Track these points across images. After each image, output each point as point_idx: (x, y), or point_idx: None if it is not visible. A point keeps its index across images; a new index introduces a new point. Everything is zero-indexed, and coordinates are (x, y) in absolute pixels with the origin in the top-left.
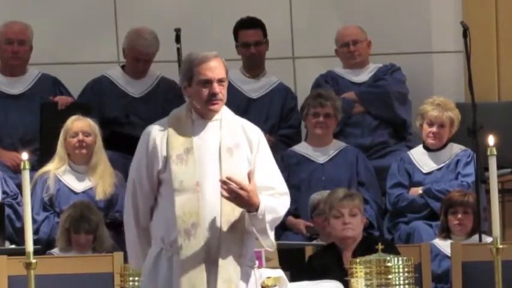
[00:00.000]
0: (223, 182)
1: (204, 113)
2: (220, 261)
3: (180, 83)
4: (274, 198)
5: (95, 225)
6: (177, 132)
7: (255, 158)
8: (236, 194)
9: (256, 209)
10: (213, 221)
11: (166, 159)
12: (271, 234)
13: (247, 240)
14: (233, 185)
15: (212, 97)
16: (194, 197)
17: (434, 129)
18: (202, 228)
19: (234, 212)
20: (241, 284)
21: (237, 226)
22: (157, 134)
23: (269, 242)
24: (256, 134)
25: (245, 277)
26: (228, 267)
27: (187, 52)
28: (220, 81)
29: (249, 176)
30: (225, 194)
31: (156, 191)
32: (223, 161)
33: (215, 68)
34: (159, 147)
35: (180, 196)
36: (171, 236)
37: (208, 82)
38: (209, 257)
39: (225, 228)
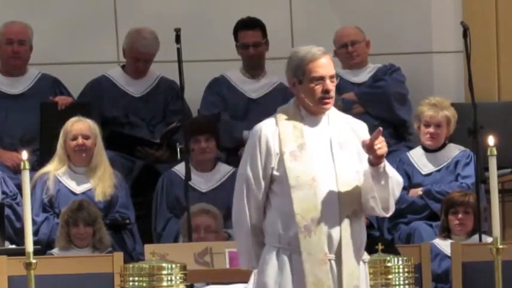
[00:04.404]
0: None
1: (314, 110)
2: (343, 255)
3: (288, 80)
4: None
5: (94, 217)
6: (288, 129)
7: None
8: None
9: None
10: (332, 215)
11: (279, 157)
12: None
13: (363, 234)
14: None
15: (326, 94)
16: (311, 192)
17: (431, 129)
18: (322, 223)
19: (352, 205)
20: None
21: (355, 219)
22: (268, 131)
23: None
24: (362, 128)
25: (362, 271)
26: (350, 260)
27: (187, 52)
28: (331, 77)
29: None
30: (383, 150)
31: (268, 188)
32: (335, 154)
33: (326, 65)
34: (271, 145)
35: (297, 192)
36: (289, 234)
37: (321, 79)
38: (331, 252)
39: (344, 221)
